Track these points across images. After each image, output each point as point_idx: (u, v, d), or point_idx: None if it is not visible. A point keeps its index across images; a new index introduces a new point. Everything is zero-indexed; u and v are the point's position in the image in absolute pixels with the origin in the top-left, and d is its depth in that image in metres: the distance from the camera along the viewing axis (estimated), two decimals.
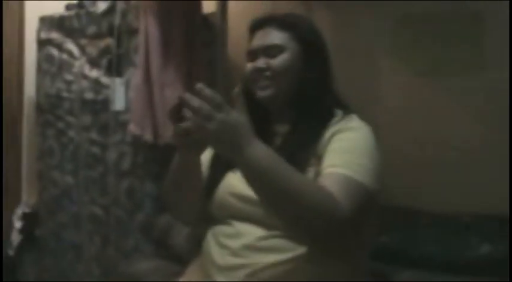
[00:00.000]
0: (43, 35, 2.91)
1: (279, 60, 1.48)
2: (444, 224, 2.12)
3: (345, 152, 1.38)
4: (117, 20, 2.53)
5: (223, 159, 1.53)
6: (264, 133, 1.52)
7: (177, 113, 1.25)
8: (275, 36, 1.50)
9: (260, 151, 1.23)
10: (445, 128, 2.26)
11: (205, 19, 2.57)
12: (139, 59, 2.41)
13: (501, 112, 2.16)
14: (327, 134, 1.43)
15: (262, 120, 1.55)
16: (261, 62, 1.49)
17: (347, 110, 1.51)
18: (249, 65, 1.53)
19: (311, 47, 1.51)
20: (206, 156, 1.56)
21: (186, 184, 1.50)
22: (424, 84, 2.32)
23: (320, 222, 1.25)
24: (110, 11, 2.62)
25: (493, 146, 2.17)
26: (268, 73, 1.48)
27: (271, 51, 1.49)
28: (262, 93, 1.50)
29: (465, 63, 2.24)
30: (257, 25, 1.55)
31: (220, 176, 1.52)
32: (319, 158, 1.40)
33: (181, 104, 1.23)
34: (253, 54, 1.52)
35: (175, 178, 1.50)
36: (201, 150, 1.45)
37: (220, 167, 1.53)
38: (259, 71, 1.49)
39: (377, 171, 1.39)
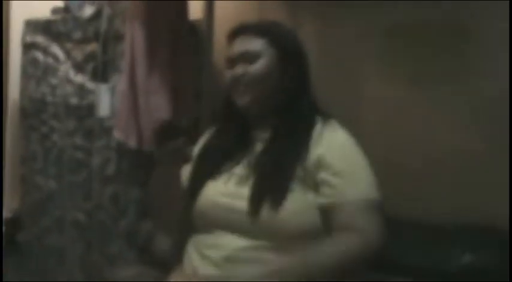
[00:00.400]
0: (28, 39, 2.89)
1: (256, 67, 1.49)
2: (426, 234, 2.13)
3: (347, 173, 1.41)
4: (103, 25, 2.52)
5: (204, 169, 1.54)
6: (245, 139, 1.54)
7: (162, 134, 1.33)
8: (252, 43, 1.51)
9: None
10: (430, 137, 2.27)
11: (192, 26, 2.56)
12: (124, 65, 2.40)
13: (487, 122, 2.17)
14: (314, 148, 1.43)
15: (243, 127, 1.56)
16: (239, 69, 1.50)
17: (326, 116, 1.52)
18: (228, 73, 1.53)
19: (289, 53, 1.52)
20: (187, 167, 1.56)
21: (167, 195, 1.51)
22: (412, 94, 2.32)
23: (365, 261, 1.38)
24: (96, 16, 2.61)
25: (477, 156, 2.18)
26: (246, 80, 1.49)
27: (248, 57, 1.49)
28: (241, 101, 1.51)
29: (453, 73, 2.25)
30: (235, 33, 1.56)
31: (200, 185, 1.52)
32: (306, 170, 1.40)
33: (165, 126, 1.30)
34: (231, 62, 1.53)
35: (157, 189, 1.52)
36: (182, 165, 1.48)
37: (201, 176, 1.54)
38: (237, 77, 1.50)
39: (374, 179, 1.44)
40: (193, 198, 1.51)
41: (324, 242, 1.38)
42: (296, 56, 1.54)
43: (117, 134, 2.40)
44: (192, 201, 1.51)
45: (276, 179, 1.41)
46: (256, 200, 1.39)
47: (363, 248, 1.35)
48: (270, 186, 1.40)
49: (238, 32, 1.55)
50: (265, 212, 1.37)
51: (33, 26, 2.89)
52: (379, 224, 1.38)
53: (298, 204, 1.39)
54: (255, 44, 1.50)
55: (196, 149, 1.62)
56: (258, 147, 1.52)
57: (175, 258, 1.66)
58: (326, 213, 1.40)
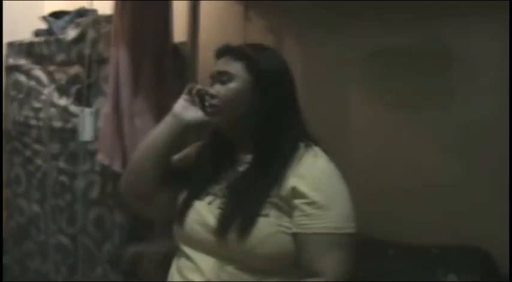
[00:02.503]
0: (11, 61, 2.89)
1: (226, 89, 1.49)
2: (411, 255, 2.14)
3: (321, 204, 1.39)
4: (87, 48, 2.51)
5: (190, 188, 1.54)
6: (230, 160, 1.54)
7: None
8: (229, 65, 1.51)
9: None
10: (414, 160, 2.29)
11: (176, 48, 2.57)
12: (109, 88, 2.39)
13: (469, 145, 2.20)
14: (291, 175, 1.43)
15: (227, 147, 1.56)
16: (214, 89, 1.51)
17: (310, 142, 1.52)
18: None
19: (265, 78, 1.49)
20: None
21: (158, 155, 1.54)
22: (394, 117, 2.35)
23: None
24: (79, 38, 2.61)
25: (460, 178, 2.21)
26: (215, 101, 1.50)
27: (222, 78, 1.50)
28: (211, 119, 1.52)
29: (434, 96, 2.28)
30: (219, 53, 1.57)
31: (188, 204, 1.52)
32: (281, 197, 1.41)
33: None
34: (212, 79, 1.54)
35: (150, 147, 1.56)
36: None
37: (188, 196, 1.54)
38: (209, 96, 1.51)
39: (351, 210, 1.42)
40: (181, 217, 1.51)
41: None
42: (274, 81, 1.51)
43: (101, 158, 2.38)
44: (180, 220, 1.51)
45: (244, 207, 1.41)
46: (221, 227, 1.40)
47: None
48: (236, 214, 1.40)
49: (221, 53, 1.56)
50: (233, 238, 1.38)
51: (16, 48, 2.88)
52: (347, 260, 1.38)
53: (272, 230, 1.39)
54: (231, 66, 1.51)
55: (184, 156, 1.65)
56: (240, 169, 1.53)
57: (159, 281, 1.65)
58: (297, 241, 1.40)
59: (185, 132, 1.55)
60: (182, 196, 1.56)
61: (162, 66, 2.43)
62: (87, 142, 2.53)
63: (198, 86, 1.55)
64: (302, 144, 1.49)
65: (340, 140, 2.33)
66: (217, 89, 1.50)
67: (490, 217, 2.12)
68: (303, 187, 1.39)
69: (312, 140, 1.52)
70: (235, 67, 1.50)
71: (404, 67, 2.31)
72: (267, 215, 1.39)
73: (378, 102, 2.37)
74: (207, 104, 1.52)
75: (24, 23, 3.02)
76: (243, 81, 1.49)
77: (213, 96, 1.50)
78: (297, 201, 1.39)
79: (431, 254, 2.12)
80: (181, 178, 1.59)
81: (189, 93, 1.55)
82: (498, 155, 2.13)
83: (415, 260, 2.13)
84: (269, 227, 1.38)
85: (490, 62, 2.17)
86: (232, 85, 1.49)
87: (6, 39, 2.95)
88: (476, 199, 2.17)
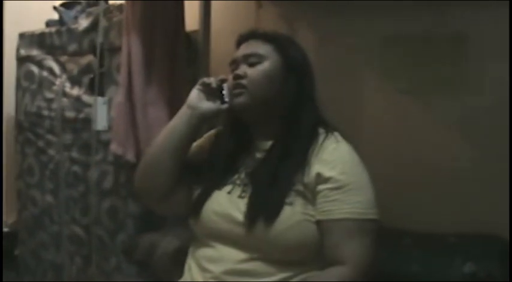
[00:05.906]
0: (23, 52, 2.88)
1: (257, 69, 1.47)
2: (429, 244, 2.12)
3: (345, 190, 1.37)
4: (99, 37, 2.50)
5: (209, 177, 1.52)
6: (248, 148, 1.52)
7: None
8: (258, 47, 1.50)
9: None
10: (429, 147, 2.27)
11: (188, 37, 2.56)
12: (121, 77, 2.38)
13: (484, 132, 2.17)
14: (314, 162, 1.41)
15: (244, 135, 1.54)
16: (241, 70, 1.49)
17: (330, 128, 1.50)
18: (230, 76, 1.52)
19: (293, 63, 1.49)
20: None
21: (175, 148, 1.50)
22: (409, 103, 2.33)
23: None
24: (91, 28, 2.59)
25: (477, 166, 2.18)
26: (244, 81, 1.47)
27: (251, 59, 1.49)
28: (236, 100, 1.48)
29: (448, 82, 2.25)
30: (243, 38, 1.56)
31: (206, 194, 1.51)
32: (305, 185, 1.39)
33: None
34: (235, 64, 1.52)
35: (166, 140, 1.51)
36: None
37: (206, 186, 1.52)
38: (236, 77, 1.48)
39: (374, 196, 1.41)
40: (198, 208, 1.49)
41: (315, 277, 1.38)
42: (300, 67, 1.51)
43: (114, 148, 2.37)
44: (198, 210, 1.49)
45: (271, 195, 1.39)
46: (250, 216, 1.38)
47: (352, 279, 1.34)
48: (264, 202, 1.38)
49: (245, 37, 1.55)
50: (260, 227, 1.36)
51: (27, 39, 2.87)
52: (370, 247, 1.37)
53: (298, 218, 1.37)
54: (261, 48, 1.50)
55: (198, 148, 1.62)
56: (259, 155, 1.50)
57: (175, 271, 1.64)
58: (321, 228, 1.38)
59: (201, 123, 1.52)
60: (198, 188, 1.54)
61: (175, 55, 2.41)
62: (100, 132, 2.52)
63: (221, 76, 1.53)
64: (322, 130, 1.47)
65: (353, 127, 2.30)
66: (245, 70, 1.48)
67: (507, 204, 2.09)
68: (328, 172, 1.38)
69: (330, 126, 1.50)
70: (266, 49, 1.49)
71: (416, 53, 2.29)
72: (291, 204, 1.37)
73: (390, 89, 2.35)
74: (235, 89, 1.48)
75: (35, 13, 3.01)
76: (273, 63, 1.48)
77: (240, 77, 1.47)
78: (321, 187, 1.38)
79: (449, 242, 2.10)
80: (196, 171, 1.56)
81: (203, 84, 1.52)
82: None
83: (431, 249, 2.10)
84: (294, 215, 1.37)
85: (503, 47, 2.13)
86: (262, 66, 1.47)
87: (17, 30, 2.94)
88: (493, 186, 2.15)
